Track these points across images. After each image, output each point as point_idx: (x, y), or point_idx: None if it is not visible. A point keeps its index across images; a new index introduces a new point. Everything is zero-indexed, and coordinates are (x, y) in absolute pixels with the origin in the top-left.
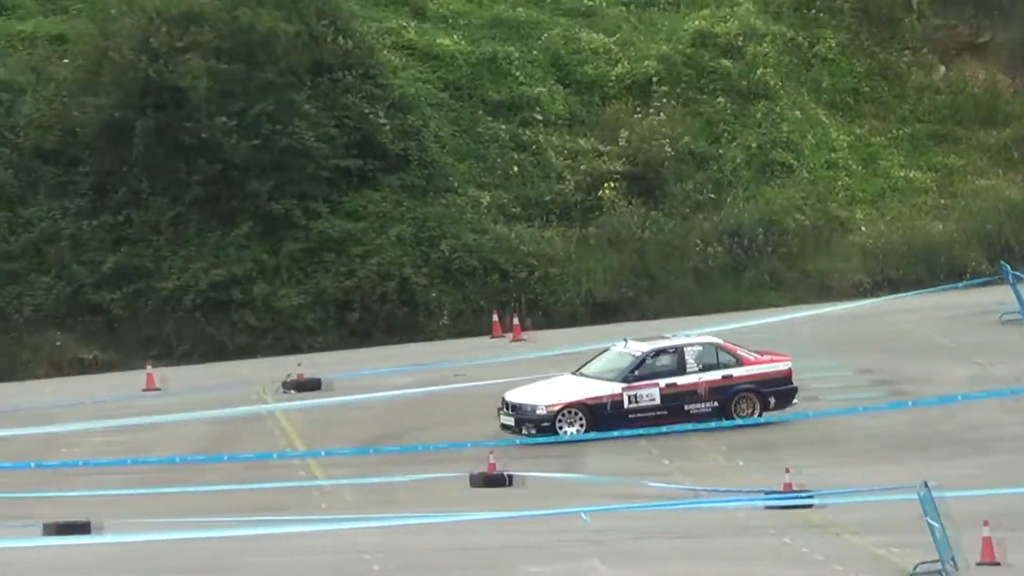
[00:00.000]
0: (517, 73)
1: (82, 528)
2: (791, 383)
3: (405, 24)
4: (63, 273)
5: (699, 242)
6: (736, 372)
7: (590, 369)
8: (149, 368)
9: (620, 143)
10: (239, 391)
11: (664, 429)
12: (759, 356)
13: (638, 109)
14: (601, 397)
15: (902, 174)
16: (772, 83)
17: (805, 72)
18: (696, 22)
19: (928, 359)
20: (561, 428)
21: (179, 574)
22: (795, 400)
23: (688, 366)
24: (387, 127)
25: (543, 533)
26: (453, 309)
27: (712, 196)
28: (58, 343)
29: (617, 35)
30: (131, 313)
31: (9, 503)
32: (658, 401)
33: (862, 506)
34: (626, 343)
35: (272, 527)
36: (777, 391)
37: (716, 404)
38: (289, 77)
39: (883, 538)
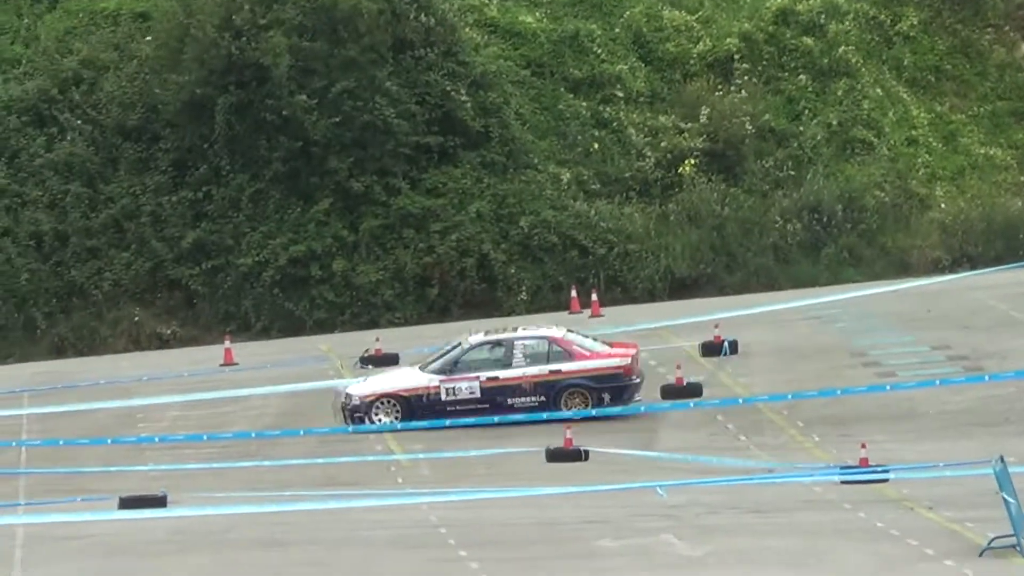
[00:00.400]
0: (598, 50)
1: (158, 502)
2: (627, 379)
3: (487, 1)
4: (143, 249)
5: (778, 219)
6: (565, 367)
7: (434, 362)
8: (227, 343)
9: (700, 120)
10: (316, 366)
11: (482, 420)
12: (598, 351)
13: (719, 86)
14: (417, 389)
15: (982, 151)
16: (853, 61)
17: (886, 50)
18: (778, 0)
19: (1006, 335)
20: (378, 417)
21: (255, 548)
22: (637, 396)
23: (515, 360)
24: (468, 104)
25: (618, 508)
26: (532, 285)
27: (792, 173)
28: (137, 318)
29: (699, 13)
30: (210, 289)
31: (87, 477)
32: (478, 394)
33: (937, 481)
34: (470, 335)
35: (348, 501)
36: (611, 387)
37: (543, 399)
38: (371, 54)
39: (958, 513)
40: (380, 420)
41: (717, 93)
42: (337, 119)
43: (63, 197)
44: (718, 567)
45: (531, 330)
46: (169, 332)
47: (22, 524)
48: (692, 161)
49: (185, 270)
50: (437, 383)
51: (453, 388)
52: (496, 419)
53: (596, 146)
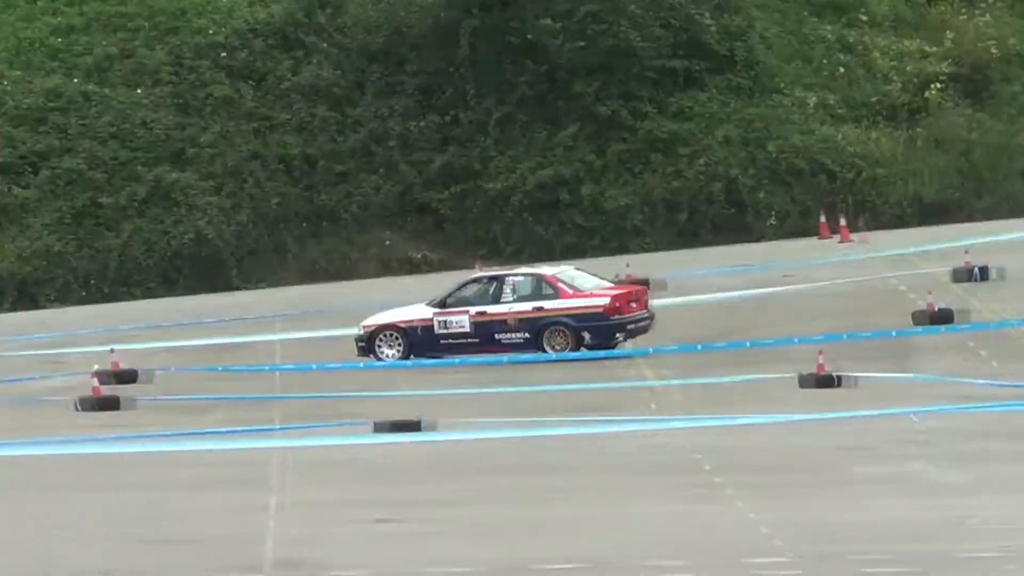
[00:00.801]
0: None
1: (412, 426)
2: (610, 319)
3: None
4: (391, 173)
5: None
6: (548, 305)
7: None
8: (477, 267)
9: (945, 45)
10: None
11: (476, 359)
12: (586, 291)
13: (963, 11)
14: (413, 321)
15: None
16: None
17: None
18: None
19: None
20: (380, 350)
21: (509, 473)
22: (619, 336)
23: (504, 296)
24: (712, 27)
25: (871, 434)
26: (780, 210)
27: None
28: (387, 242)
29: None
30: (459, 213)
31: (342, 402)
32: (467, 328)
33: None
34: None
35: (601, 426)
36: (591, 327)
37: (527, 335)
38: None
39: None
40: (384, 353)
41: (962, 17)
42: (582, 43)
43: (311, 121)
44: (975, 494)
45: (523, 268)
46: (419, 256)
47: (279, 448)
48: (938, 86)
49: (434, 194)
50: (430, 316)
51: (445, 321)
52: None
53: (841, 70)
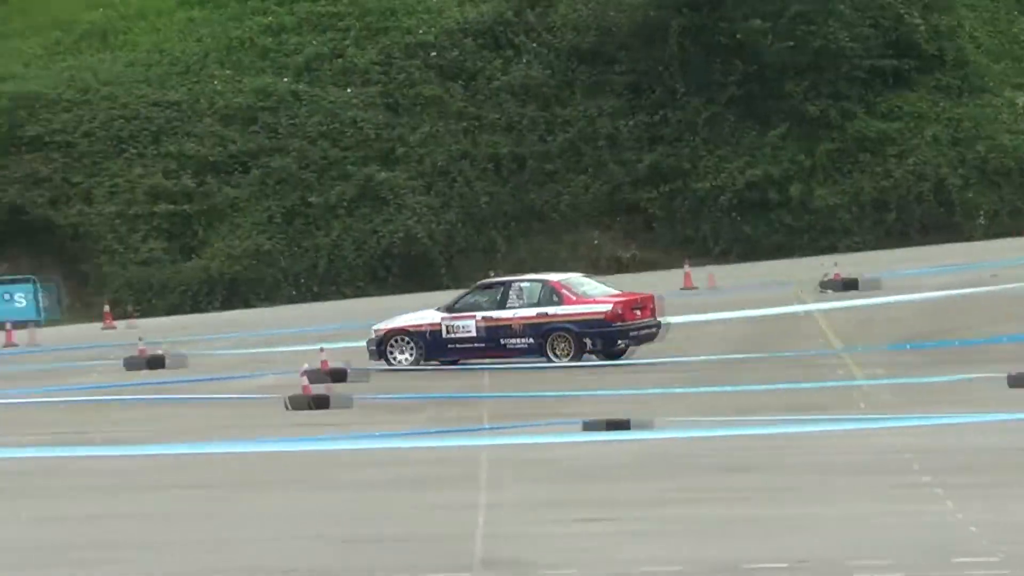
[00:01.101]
0: None
1: (622, 425)
2: (612, 325)
3: None
4: (599, 172)
5: None
6: (552, 311)
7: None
8: (686, 267)
9: None
10: (776, 291)
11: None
12: (591, 298)
13: None
14: (422, 326)
15: None
16: None
17: None
18: None
19: None
20: (392, 355)
21: (718, 472)
22: (621, 343)
23: (509, 301)
24: (922, 27)
25: None
26: (989, 210)
27: None
28: (596, 241)
29: None
30: (667, 212)
31: (549, 402)
32: (474, 333)
33: None
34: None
35: (810, 426)
36: (593, 333)
37: (531, 340)
38: None
39: None
40: (395, 358)
41: None
42: (791, 43)
43: (520, 120)
44: None
45: (530, 275)
46: (628, 255)
47: (488, 447)
48: None
49: (642, 193)
50: (439, 321)
51: (453, 326)
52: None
53: None
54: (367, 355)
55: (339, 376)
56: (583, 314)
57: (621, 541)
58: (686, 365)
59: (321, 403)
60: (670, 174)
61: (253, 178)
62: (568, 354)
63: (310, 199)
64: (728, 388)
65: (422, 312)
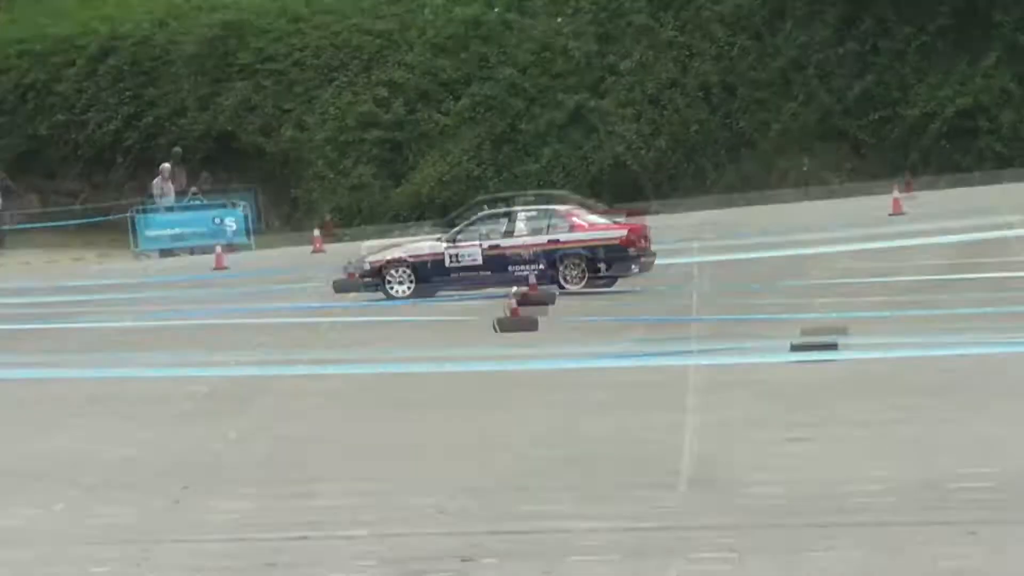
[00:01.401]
0: None
1: (829, 346)
2: (627, 251)
3: None
4: (810, 100)
5: None
6: (564, 237)
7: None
8: (895, 193)
9: None
10: (985, 217)
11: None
12: (599, 224)
13: None
14: (423, 255)
15: None
16: None
17: None
18: None
19: None
20: (391, 287)
21: (923, 393)
22: (634, 267)
23: (516, 230)
24: None
25: None
26: None
27: None
28: (805, 168)
29: None
30: (876, 140)
31: (759, 324)
32: (480, 261)
33: None
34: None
35: (1017, 346)
36: (609, 258)
37: (542, 267)
38: None
39: None
40: (395, 289)
41: None
42: None
43: (730, 49)
44: None
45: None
46: (837, 182)
47: (693, 367)
48: None
49: (852, 121)
50: (442, 249)
51: (456, 255)
52: None
53: None
54: (339, 285)
55: (548, 299)
56: (598, 240)
57: (828, 460)
58: (894, 286)
59: (530, 325)
60: (880, 102)
61: (463, 105)
62: (581, 280)
63: (520, 126)
64: (937, 310)
65: (418, 242)
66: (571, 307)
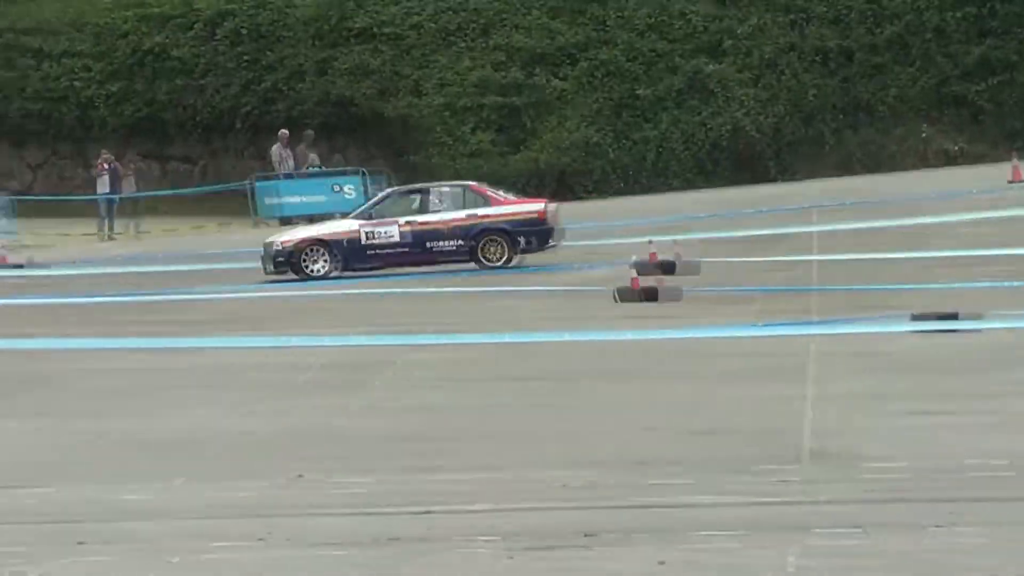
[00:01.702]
0: None
1: (950, 317)
2: (544, 224)
3: None
4: (927, 65)
5: None
6: (482, 211)
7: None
8: (1014, 160)
9: None
10: None
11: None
12: (514, 199)
13: None
14: (338, 234)
15: None
16: None
17: None
18: None
19: None
20: (308, 267)
21: None
22: (551, 242)
23: (432, 206)
24: None
25: None
26: None
27: None
28: (924, 134)
29: None
30: (996, 105)
31: (880, 294)
32: (397, 238)
33: None
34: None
35: None
36: (528, 231)
37: (461, 243)
38: None
39: None
40: (312, 269)
41: None
42: None
43: (847, 13)
44: None
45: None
46: (956, 148)
47: (815, 338)
48: None
49: (970, 86)
50: (357, 227)
51: (372, 232)
52: None
53: None
54: (262, 270)
55: (668, 268)
56: (516, 214)
57: (950, 434)
58: (1017, 258)
59: (650, 295)
60: (998, 66)
61: (581, 70)
62: (501, 257)
63: (638, 91)
64: None
65: (332, 222)
66: (689, 278)
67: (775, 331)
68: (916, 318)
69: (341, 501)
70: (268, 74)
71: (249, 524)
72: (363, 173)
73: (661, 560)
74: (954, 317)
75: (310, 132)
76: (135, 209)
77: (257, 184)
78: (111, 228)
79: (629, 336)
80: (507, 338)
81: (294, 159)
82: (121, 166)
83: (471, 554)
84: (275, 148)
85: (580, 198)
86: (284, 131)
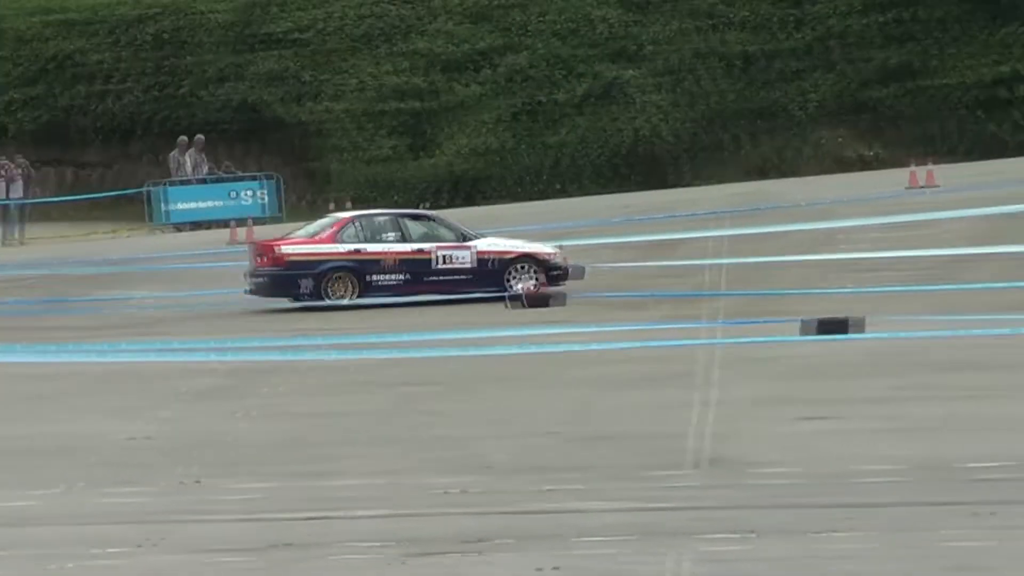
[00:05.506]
0: None
1: (839, 324)
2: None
3: None
4: (839, 71)
5: None
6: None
7: None
8: (913, 165)
9: None
10: (1016, 189)
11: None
12: None
13: None
14: None
15: None
16: None
17: None
18: None
19: None
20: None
21: (940, 371)
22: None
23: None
24: None
25: None
26: None
27: None
28: (839, 139)
29: None
30: (908, 111)
31: (783, 299)
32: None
33: None
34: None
35: None
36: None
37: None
38: None
39: None
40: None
41: None
42: None
43: (762, 19)
44: None
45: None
46: (870, 154)
47: (706, 344)
48: None
49: (881, 92)
50: None
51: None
52: None
53: None
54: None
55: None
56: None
57: (840, 439)
58: (912, 262)
59: (539, 301)
60: (913, 72)
61: (487, 76)
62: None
63: (545, 97)
64: (954, 286)
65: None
66: (591, 283)
67: (669, 342)
68: (807, 324)
69: (234, 507)
70: (178, 80)
71: (140, 530)
72: (261, 179)
73: (555, 566)
74: (843, 324)
75: (200, 137)
76: (21, 215)
77: (153, 190)
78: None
79: (528, 348)
80: (402, 352)
81: (191, 165)
82: (11, 168)
83: (363, 560)
84: (173, 154)
85: (480, 204)
86: (183, 137)
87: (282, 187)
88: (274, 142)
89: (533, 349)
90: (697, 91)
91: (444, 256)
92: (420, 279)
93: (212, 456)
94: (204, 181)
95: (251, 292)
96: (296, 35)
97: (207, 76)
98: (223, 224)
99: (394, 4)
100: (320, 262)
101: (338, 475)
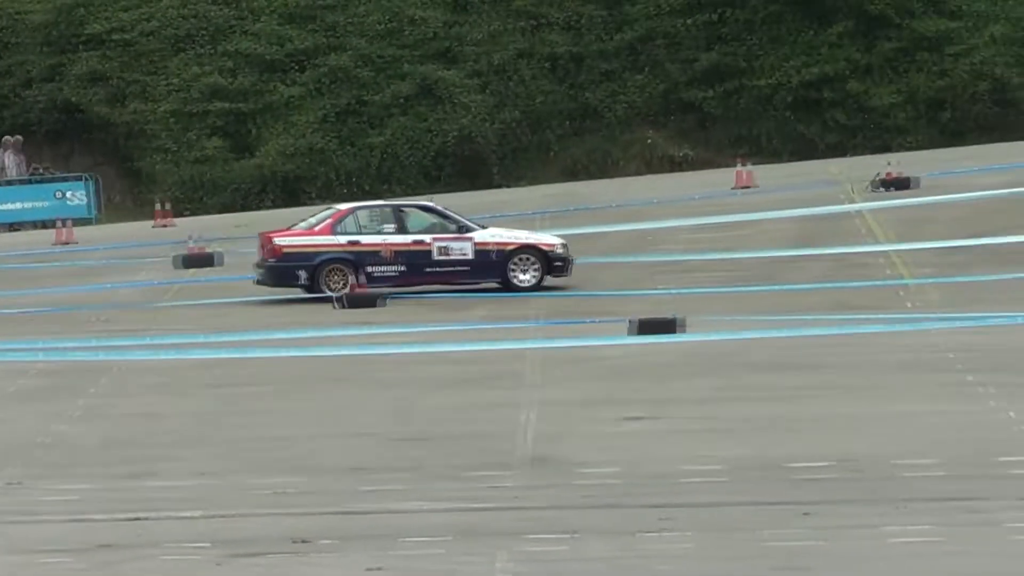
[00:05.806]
0: None
1: (665, 324)
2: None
3: None
4: (657, 72)
5: None
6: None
7: None
8: (739, 165)
9: None
10: (827, 189)
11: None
12: None
13: None
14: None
15: None
16: None
17: None
18: None
19: None
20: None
21: (762, 371)
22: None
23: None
24: None
25: None
26: None
27: None
28: (649, 140)
29: None
30: (723, 111)
31: (602, 301)
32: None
33: None
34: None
35: (857, 325)
36: None
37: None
38: None
39: None
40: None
41: None
42: None
43: (582, 20)
44: None
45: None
46: (681, 155)
47: (531, 346)
48: None
49: (699, 93)
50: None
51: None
52: None
53: None
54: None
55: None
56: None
57: (662, 440)
58: (733, 263)
59: (365, 301)
60: (727, 73)
61: (309, 77)
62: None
63: (366, 97)
64: (775, 287)
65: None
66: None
67: (492, 344)
68: (635, 325)
69: (54, 508)
70: None
71: None
72: (86, 179)
73: (378, 567)
74: (670, 324)
75: (19, 137)
76: None
77: None
78: None
79: (351, 350)
80: (225, 352)
81: (14, 166)
82: None
83: (182, 561)
84: None
85: (304, 204)
86: (7, 137)
87: (100, 187)
88: (98, 142)
89: (355, 351)
90: (520, 91)
91: (443, 247)
92: (419, 270)
93: (34, 457)
94: (29, 182)
95: (258, 282)
96: (118, 35)
97: (30, 76)
98: (41, 225)
99: (216, 4)
100: (316, 254)
101: (160, 476)
